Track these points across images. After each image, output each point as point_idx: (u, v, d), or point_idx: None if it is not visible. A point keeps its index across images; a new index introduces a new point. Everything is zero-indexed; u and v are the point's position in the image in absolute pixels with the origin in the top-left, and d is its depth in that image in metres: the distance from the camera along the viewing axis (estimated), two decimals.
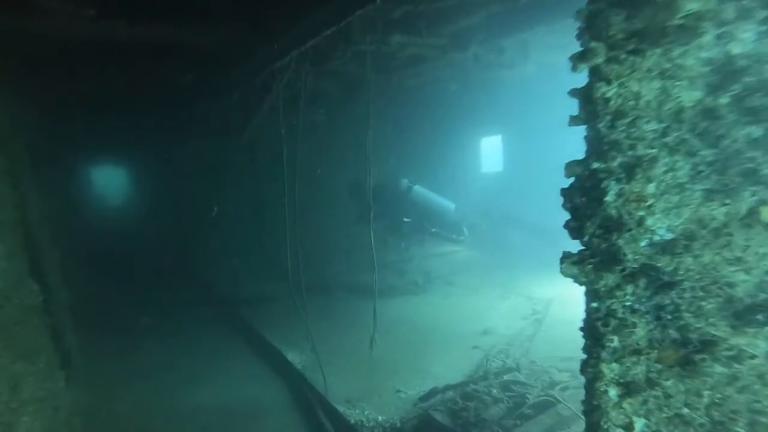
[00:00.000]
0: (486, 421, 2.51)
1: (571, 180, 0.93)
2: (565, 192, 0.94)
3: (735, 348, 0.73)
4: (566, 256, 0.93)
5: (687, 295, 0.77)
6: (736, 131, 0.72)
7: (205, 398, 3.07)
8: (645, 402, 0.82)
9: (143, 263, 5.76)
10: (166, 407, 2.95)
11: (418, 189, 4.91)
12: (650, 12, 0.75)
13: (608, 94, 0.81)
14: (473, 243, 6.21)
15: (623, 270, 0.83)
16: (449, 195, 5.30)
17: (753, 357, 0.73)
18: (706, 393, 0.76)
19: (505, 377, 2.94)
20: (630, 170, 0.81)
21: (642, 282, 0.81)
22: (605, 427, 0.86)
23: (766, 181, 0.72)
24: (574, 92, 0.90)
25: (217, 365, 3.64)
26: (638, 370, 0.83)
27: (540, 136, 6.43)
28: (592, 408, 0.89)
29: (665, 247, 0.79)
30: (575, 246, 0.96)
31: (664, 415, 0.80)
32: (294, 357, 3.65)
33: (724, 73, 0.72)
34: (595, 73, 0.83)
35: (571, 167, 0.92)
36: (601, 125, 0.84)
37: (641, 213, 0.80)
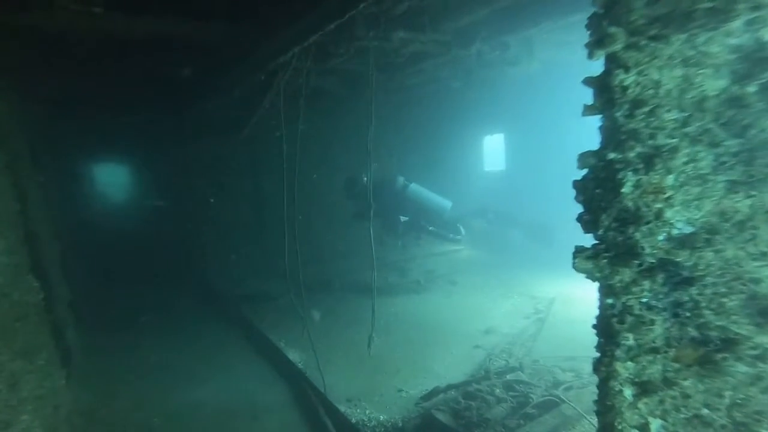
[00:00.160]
0: (489, 420, 2.49)
1: (584, 171, 0.90)
2: (578, 184, 0.91)
3: (759, 347, 0.70)
4: (579, 251, 0.90)
5: (708, 291, 0.74)
6: (764, 120, 0.69)
7: (206, 396, 3.05)
8: (661, 402, 0.79)
9: (144, 260, 5.76)
10: (166, 405, 2.94)
11: (414, 187, 4.88)
12: None
13: (626, 82, 0.78)
14: (474, 242, 6.19)
15: (641, 265, 0.80)
16: (450, 193, 5.27)
17: None
18: (727, 393, 0.73)
19: (508, 377, 2.92)
20: (648, 161, 0.77)
21: (660, 277, 0.78)
22: (619, 428, 0.83)
23: None
24: (588, 81, 0.87)
25: (217, 363, 3.62)
26: (654, 369, 0.80)
27: (543, 135, 6.40)
28: (606, 408, 0.86)
29: (685, 241, 0.76)
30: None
31: (682, 415, 0.78)
32: (295, 355, 3.63)
33: (754, 60, 0.69)
34: (613, 61, 0.80)
35: (584, 158, 0.88)
36: (618, 114, 0.80)
37: (659, 205, 0.77)
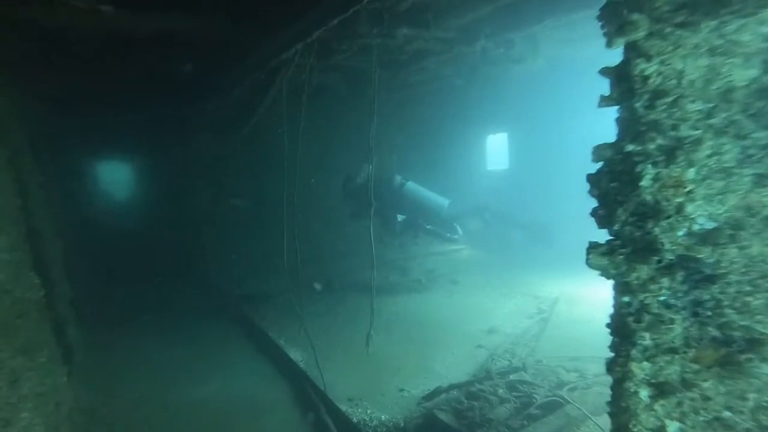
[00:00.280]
0: (492, 421, 2.46)
1: (599, 165, 0.87)
2: (592, 177, 0.88)
3: None
4: (594, 246, 0.87)
5: (731, 289, 0.71)
6: None
7: (207, 394, 3.04)
8: (679, 404, 0.77)
9: (146, 258, 5.75)
10: (168, 403, 2.93)
11: (411, 185, 4.84)
12: None
13: (647, 72, 0.75)
14: (474, 242, 6.15)
15: (660, 261, 0.77)
16: (453, 193, 5.24)
17: None
18: (751, 396, 0.71)
19: (512, 377, 2.89)
20: (670, 153, 0.75)
21: (679, 275, 0.75)
22: (634, 430, 0.80)
23: None
24: (605, 71, 0.84)
25: (219, 361, 3.61)
26: (672, 370, 0.77)
27: (546, 134, 6.36)
28: (620, 410, 0.84)
29: (707, 237, 0.73)
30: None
31: (702, 418, 0.75)
32: (296, 354, 3.61)
33: None
34: (634, 49, 0.76)
35: (600, 151, 0.85)
36: (637, 105, 0.77)
37: (680, 199, 0.74)
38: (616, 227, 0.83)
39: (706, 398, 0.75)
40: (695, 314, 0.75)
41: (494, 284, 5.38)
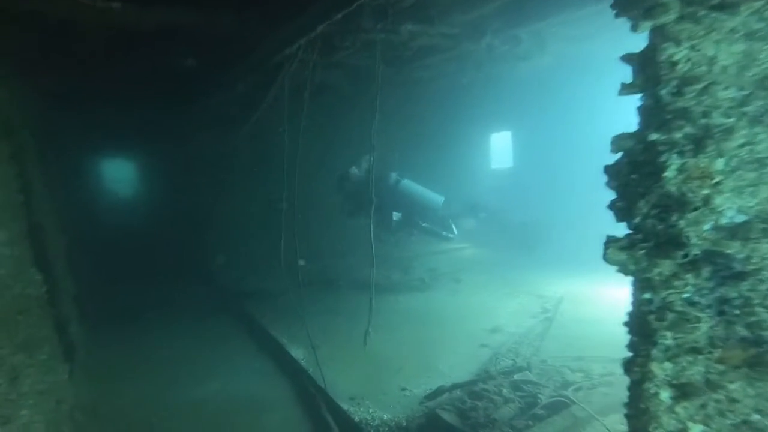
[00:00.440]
0: (496, 421, 2.42)
1: (618, 156, 0.83)
2: (610, 169, 0.84)
3: None
4: (612, 240, 0.83)
5: (762, 287, 0.68)
6: None
7: (209, 393, 3.02)
8: (703, 406, 0.73)
9: (148, 255, 5.75)
10: (170, 401, 2.91)
11: (406, 182, 4.81)
12: None
13: (676, 57, 0.71)
14: (474, 241, 6.11)
15: (685, 256, 0.73)
16: (455, 191, 5.19)
17: None
18: None
19: (516, 376, 2.85)
20: (698, 142, 0.71)
21: (705, 271, 0.71)
22: None
23: None
24: (628, 57, 0.80)
25: (221, 360, 3.59)
26: (695, 371, 0.74)
27: (550, 133, 6.31)
28: (639, 411, 0.80)
29: (736, 231, 0.69)
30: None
31: (729, 421, 0.71)
32: (298, 353, 3.59)
33: None
34: (661, 34, 0.73)
35: (620, 140, 0.81)
36: (663, 92, 0.74)
37: (706, 191, 0.70)
38: (636, 220, 0.80)
39: (733, 400, 0.71)
40: (721, 312, 0.72)
41: (498, 283, 5.34)
